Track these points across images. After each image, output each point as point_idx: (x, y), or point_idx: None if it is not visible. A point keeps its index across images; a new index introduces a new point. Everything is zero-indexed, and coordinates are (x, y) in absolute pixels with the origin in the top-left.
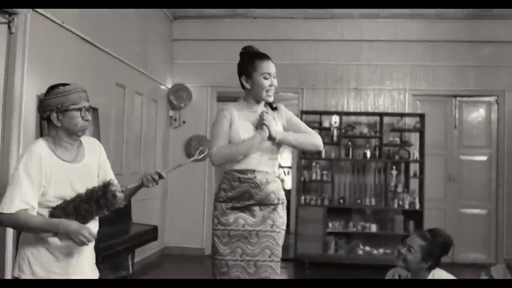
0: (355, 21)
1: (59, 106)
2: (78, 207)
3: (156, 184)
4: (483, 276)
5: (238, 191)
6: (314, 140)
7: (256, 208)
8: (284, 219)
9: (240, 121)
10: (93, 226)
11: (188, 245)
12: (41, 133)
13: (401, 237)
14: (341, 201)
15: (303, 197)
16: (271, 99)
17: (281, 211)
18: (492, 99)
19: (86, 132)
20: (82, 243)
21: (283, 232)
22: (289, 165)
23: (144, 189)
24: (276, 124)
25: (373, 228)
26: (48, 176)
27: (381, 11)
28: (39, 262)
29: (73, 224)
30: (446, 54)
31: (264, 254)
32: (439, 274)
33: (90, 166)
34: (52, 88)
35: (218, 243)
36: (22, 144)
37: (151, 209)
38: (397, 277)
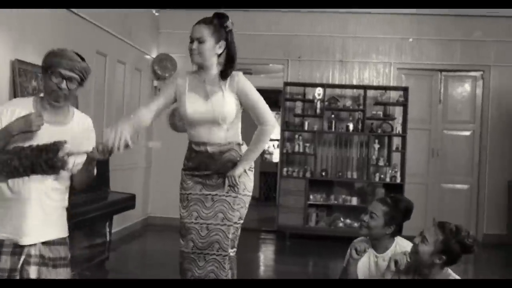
0: None
1: (43, 66)
2: (26, 155)
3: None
4: (417, 239)
5: (195, 162)
6: (266, 137)
7: (215, 176)
8: (246, 185)
9: (188, 93)
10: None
11: (172, 215)
12: (15, 97)
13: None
14: (323, 173)
15: (285, 169)
16: (193, 61)
17: (244, 177)
18: (477, 74)
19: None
20: (39, 127)
21: (245, 197)
22: (278, 138)
23: (127, 157)
24: (224, 96)
25: (354, 201)
26: None
27: None
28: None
29: (20, 119)
30: (432, 28)
31: (216, 217)
32: (401, 243)
33: (64, 135)
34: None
35: (180, 206)
36: None
37: (135, 179)
38: (354, 252)
